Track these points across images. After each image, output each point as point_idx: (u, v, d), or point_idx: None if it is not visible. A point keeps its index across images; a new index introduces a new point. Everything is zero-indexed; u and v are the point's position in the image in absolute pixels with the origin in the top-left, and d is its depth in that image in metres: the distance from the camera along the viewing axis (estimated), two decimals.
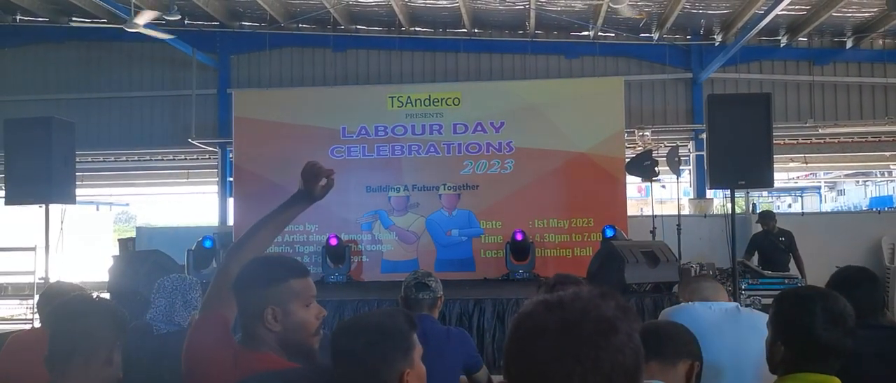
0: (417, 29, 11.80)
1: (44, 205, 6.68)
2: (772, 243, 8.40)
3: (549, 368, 0.99)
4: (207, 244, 8.55)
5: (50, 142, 6.44)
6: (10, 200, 6.73)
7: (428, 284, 3.31)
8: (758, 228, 8.94)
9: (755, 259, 8.40)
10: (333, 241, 9.06)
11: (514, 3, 10.61)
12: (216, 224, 11.77)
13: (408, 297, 3.30)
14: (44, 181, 6.46)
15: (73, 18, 11.33)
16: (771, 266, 8.00)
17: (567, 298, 1.05)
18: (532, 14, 10.74)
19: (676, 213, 8.85)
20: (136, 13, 8.79)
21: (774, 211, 10.67)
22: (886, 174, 21.70)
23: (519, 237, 8.78)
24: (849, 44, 11.55)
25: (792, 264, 8.32)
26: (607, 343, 0.99)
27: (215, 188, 12.51)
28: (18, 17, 12.28)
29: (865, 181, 24.95)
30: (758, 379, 2.83)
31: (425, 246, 9.39)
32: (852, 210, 22.67)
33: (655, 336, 2.06)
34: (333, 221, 9.37)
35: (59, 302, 2.11)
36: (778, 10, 8.80)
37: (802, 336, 2.04)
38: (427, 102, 9.58)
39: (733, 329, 2.85)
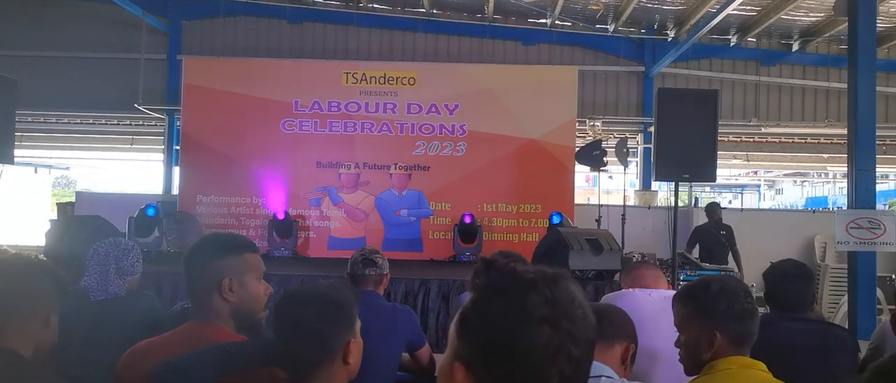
0: (375, 6, 11.72)
1: None
2: (713, 236, 8.65)
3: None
4: (150, 212, 8.36)
5: None
6: None
7: (374, 261, 3.33)
8: (700, 221, 9.17)
9: (696, 250, 8.63)
10: (280, 216, 8.98)
11: None
12: (160, 193, 11.55)
13: (354, 273, 3.31)
14: None
15: None
16: (710, 258, 8.23)
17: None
18: None
19: (622, 204, 9.01)
20: None
21: None
22: (823, 175, 22.44)
23: (467, 220, 8.84)
24: (795, 47, 11.87)
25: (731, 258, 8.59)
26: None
27: (161, 156, 12.27)
28: None
29: (803, 181, 25.75)
30: None
31: (374, 224, 9.37)
32: (789, 209, 23.39)
33: (595, 316, 2.11)
34: (281, 195, 9.28)
35: None
36: (730, 10, 8.99)
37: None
38: (382, 80, 9.52)
39: (671, 316, 2.93)
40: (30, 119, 11.86)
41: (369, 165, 9.48)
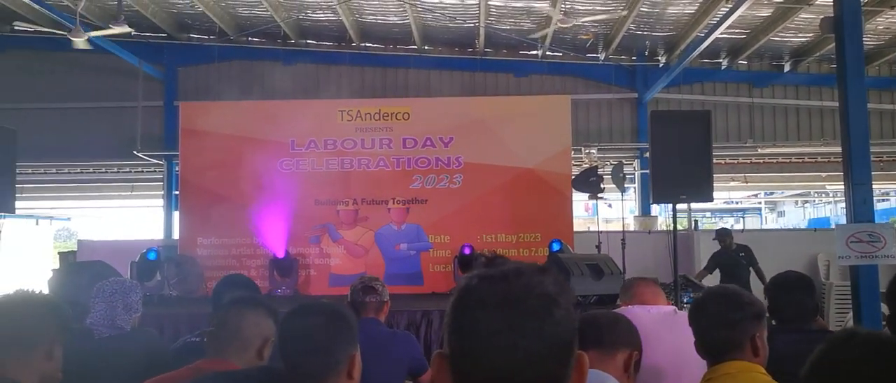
0: (368, 44, 11.87)
1: None
2: (732, 259, 8.61)
3: (492, 341, 1.01)
4: (151, 256, 8.40)
5: None
6: None
7: (374, 287, 3.34)
8: (701, 244, 9.17)
9: (717, 276, 8.59)
10: (281, 254, 8.99)
11: (464, 21, 10.75)
12: (161, 238, 11.56)
13: (354, 300, 3.32)
14: None
15: (16, 25, 11.05)
16: (732, 281, 8.14)
17: (510, 273, 1.07)
18: (481, 32, 10.91)
19: (621, 230, 9.03)
20: (85, 25, 8.63)
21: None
22: (824, 195, 22.45)
23: (467, 251, 8.83)
24: (787, 67, 12.00)
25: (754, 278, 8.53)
26: (550, 316, 1.02)
27: (160, 202, 12.31)
28: None
29: (805, 203, 25.78)
30: (695, 380, 2.93)
31: (374, 259, 9.36)
32: (791, 228, 23.34)
33: (594, 326, 2.13)
34: (281, 234, 9.29)
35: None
36: (718, 33, 9.12)
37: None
38: (377, 117, 9.60)
39: (671, 331, 2.92)
40: (30, 170, 11.93)
41: (367, 201, 9.51)
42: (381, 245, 9.45)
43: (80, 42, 8.48)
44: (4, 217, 10.01)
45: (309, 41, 11.95)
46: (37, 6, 9.40)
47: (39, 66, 11.91)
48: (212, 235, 9.47)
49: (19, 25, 10.48)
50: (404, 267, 9.32)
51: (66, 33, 8.75)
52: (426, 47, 11.79)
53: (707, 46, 9.72)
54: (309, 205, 9.49)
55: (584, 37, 11.03)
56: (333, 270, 9.42)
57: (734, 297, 2.23)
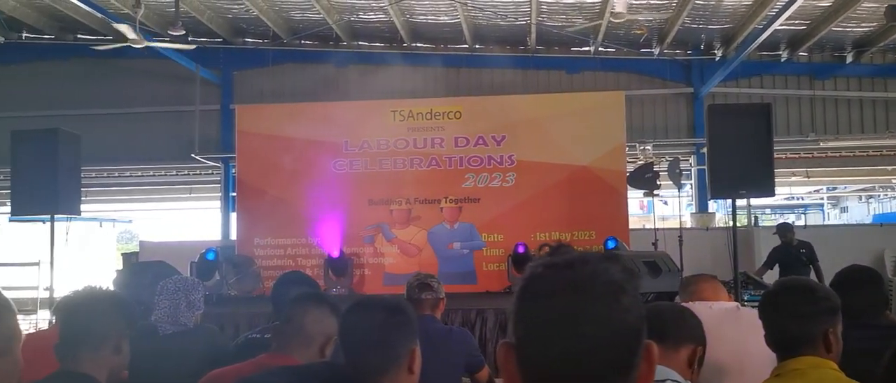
0: (419, 44, 11.90)
1: (49, 219, 6.70)
2: (793, 256, 8.40)
3: (558, 329, 1.00)
4: (210, 256, 8.55)
5: (56, 154, 6.45)
6: (15, 211, 6.76)
7: (430, 285, 3.35)
8: (761, 241, 8.95)
9: (776, 271, 8.39)
10: (335, 254, 9.07)
11: (515, 19, 10.70)
12: (219, 239, 11.80)
13: (411, 297, 3.33)
14: (50, 193, 6.47)
15: (78, 35, 11.45)
16: None
17: (575, 260, 1.06)
18: (533, 29, 10.84)
19: (678, 227, 8.87)
20: (144, 32, 8.86)
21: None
22: (889, 190, 21.67)
23: (521, 250, 8.77)
24: (849, 58, 11.63)
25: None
26: (617, 303, 1.01)
27: (218, 203, 12.56)
28: (25, 35, 12.41)
29: (869, 198, 24.93)
30: (760, 378, 2.85)
31: (427, 258, 9.38)
32: (856, 224, 22.63)
33: (659, 319, 2.08)
34: (335, 234, 9.39)
35: (69, 294, 2.14)
36: (777, 25, 8.89)
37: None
38: (429, 116, 9.62)
39: (734, 328, 2.85)
40: (94, 174, 12.29)
41: (420, 200, 9.54)
42: (435, 244, 9.47)
43: (139, 47, 8.70)
44: (71, 219, 10.36)
45: (360, 42, 12.04)
46: (98, 15, 9.68)
47: (101, 73, 12.26)
48: (268, 236, 9.63)
49: (82, 34, 10.85)
50: (458, 265, 9.32)
51: (126, 41, 8.99)
52: (477, 46, 11.77)
53: (765, 38, 9.48)
54: (362, 205, 9.56)
55: (638, 32, 10.87)
56: (387, 269, 9.47)
57: (809, 290, 2.16)
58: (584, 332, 0.99)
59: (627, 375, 1.02)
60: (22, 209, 6.69)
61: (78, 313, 1.95)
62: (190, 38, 11.70)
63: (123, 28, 8.43)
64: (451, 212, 9.47)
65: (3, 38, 12.27)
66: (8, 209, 11.24)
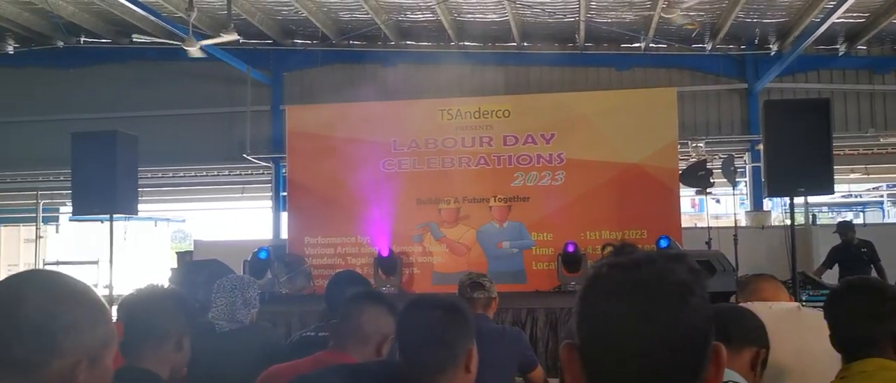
0: (466, 43, 11.88)
1: (108, 218, 6.87)
2: (853, 254, 8.16)
3: (623, 330, 0.99)
4: (262, 255, 8.71)
5: (115, 155, 6.62)
6: (77, 211, 6.96)
7: (483, 284, 3.33)
8: (820, 240, 8.72)
9: (836, 270, 8.18)
10: (385, 253, 9.13)
11: (563, 15, 10.61)
12: (270, 238, 11.96)
13: (463, 296, 3.32)
14: (108, 193, 6.64)
15: (134, 38, 11.72)
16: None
17: (641, 260, 1.04)
18: (582, 26, 10.73)
19: (733, 226, 8.69)
20: (197, 34, 9.04)
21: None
22: None
23: (571, 249, 8.71)
24: None
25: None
26: (684, 304, 0.99)
27: (269, 203, 12.74)
28: (83, 39, 12.76)
29: None
30: (822, 381, 2.76)
31: (476, 257, 9.37)
32: None
33: (719, 320, 2.02)
34: (385, 233, 9.44)
35: (132, 292, 2.19)
36: (835, 18, 8.63)
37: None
38: (477, 115, 9.61)
39: (795, 329, 2.78)
40: (149, 175, 12.57)
41: (469, 199, 9.54)
42: (484, 243, 9.45)
43: (193, 51, 8.87)
44: (129, 219, 10.64)
45: (408, 42, 12.08)
46: (153, 18, 9.90)
47: (156, 76, 12.55)
48: (318, 235, 9.74)
49: (137, 38, 11.11)
50: (507, 265, 9.29)
51: (180, 43, 9.19)
52: (525, 44, 11.70)
53: (823, 32, 9.22)
54: (411, 205, 9.60)
55: (690, 27, 10.68)
56: (436, 268, 9.49)
57: (877, 290, 2.08)
58: (649, 334, 0.98)
59: (695, 378, 1.00)
60: (82, 209, 6.88)
61: (141, 311, 2.00)
62: (241, 40, 11.90)
63: (190, 47, 8.63)
64: (500, 210, 9.44)
65: (62, 43, 12.64)
66: (68, 209, 11.62)
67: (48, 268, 12.30)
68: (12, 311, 1.17)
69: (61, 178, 12.33)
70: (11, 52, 12.51)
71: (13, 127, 12.73)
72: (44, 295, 1.20)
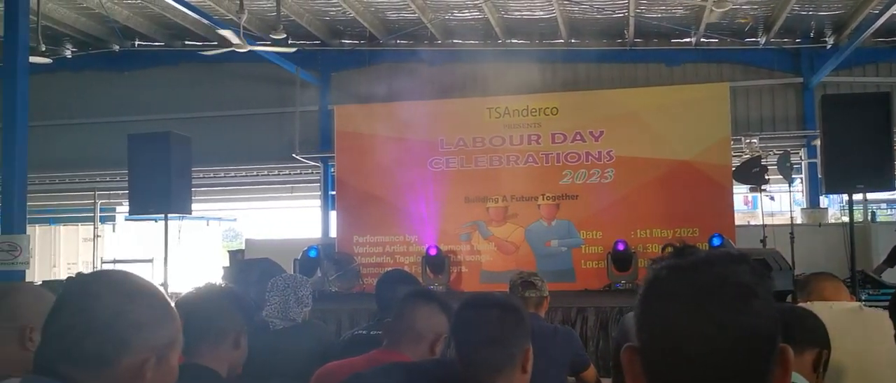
0: (513, 41, 11.83)
1: (163, 217, 7.04)
2: None
3: (684, 334, 0.97)
4: (312, 254, 8.81)
5: (169, 156, 6.78)
6: (133, 211, 7.14)
7: (534, 283, 3.31)
8: (885, 238, 8.46)
9: None
10: (433, 251, 9.14)
11: (612, 11, 10.49)
12: (319, 236, 12.08)
13: (514, 295, 3.30)
14: (163, 193, 6.81)
15: (186, 41, 11.98)
16: None
17: (701, 262, 1.02)
18: (631, 22, 10.59)
19: (788, 223, 8.49)
20: (248, 36, 9.18)
21: None
22: None
23: (621, 247, 8.61)
24: None
25: None
26: (746, 307, 0.97)
27: (318, 202, 12.88)
28: (138, 43, 13.07)
29: None
30: (885, 382, 2.68)
31: (524, 256, 9.32)
32: None
33: (782, 321, 1.98)
34: (433, 231, 9.46)
35: (190, 291, 2.23)
36: (894, 10, 8.36)
37: None
38: (525, 113, 9.56)
39: (857, 329, 2.72)
40: (201, 175, 12.81)
41: (517, 198, 9.49)
42: (532, 241, 9.40)
43: (242, 52, 9.01)
44: (183, 218, 10.87)
45: (455, 40, 12.08)
46: (205, 22, 10.09)
47: (208, 78, 12.77)
48: (367, 233, 9.80)
49: (190, 41, 11.36)
50: (555, 263, 9.21)
51: (230, 45, 9.34)
52: (573, 40, 11.59)
53: (881, 24, 8.94)
54: (458, 203, 9.60)
55: (742, 21, 10.45)
56: (484, 267, 9.48)
57: None
58: (711, 338, 0.96)
59: (761, 381, 0.98)
60: (138, 208, 7.06)
61: (199, 309, 2.03)
62: (290, 41, 12.05)
63: (227, 33, 8.76)
64: (548, 209, 9.38)
65: (118, 47, 12.97)
66: (125, 208, 11.92)
67: (106, 266, 12.67)
68: (86, 307, 1.21)
69: (118, 179, 12.65)
70: (69, 57, 12.87)
71: (71, 129, 13.12)
72: (116, 294, 1.24)
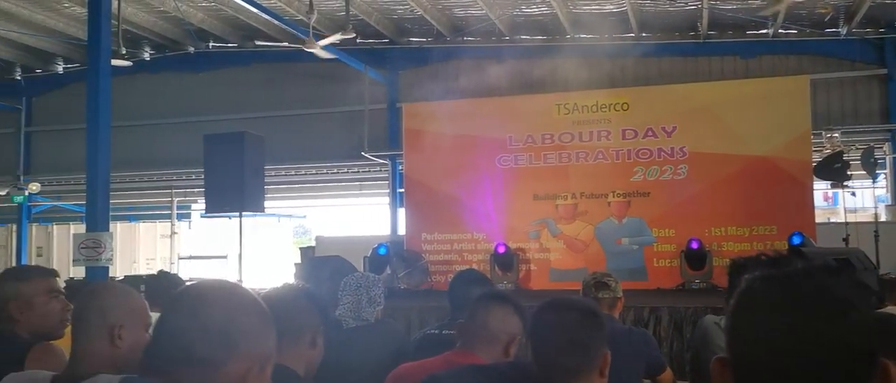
0: (582, 36, 11.66)
1: (238, 215, 7.21)
2: None
3: (777, 347, 0.95)
4: (382, 251, 8.89)
5: (243, 155, 6.93)
6: (209, 209, 7.33)
7: (607, 284, 3.25)
8: None
9: None
10: (501, 249, 9.08)
11: (684, 4, 10.24)
12: (387, 234, 12.18)
13: (587, 297, 3.24)
14: (237, 192, 6.96)
15: (258, 42, 12.24)
16: None
17: (796, 274, 0.99)
18: (704, 14, 10.31)
19: (873, 220, 8.13)
20: (317, 36, 9.33)
21: None
22: None
23: (694, 245, 8.39)
24: None
25: None
26: (842, 321, 0.94)
27: (386, 199, 12.99)
28: (211, 44, 13.43)
29: None
30: None
31: (594, 254, 9.18)
32: None
33: (882, 330, 1.88)
34: (501, 229, 9.41)
35: (267, 290, 2.26)
36: None
37: None
38: (595, 109, 9.41)
39: None
40: (273, 173, 13.08)
41: (586, 195, 9.35)
42: (602, 239, 9.25)
43: (316, 52, 9.16)
44: (256, 215, 11.10)
45: (522, 36, 11.99)
46: (276, 22, 10.29)
47: (279, 77, 13.04)
48: (435, 231, 9.82)
49: (261, 41, 11.60)
50: (627, 261, 9.04)
51: (300, 45, 9.51)
52: (644, 34, 11.36)
53: None
54: (527, 200, 9.52)
55: (823, 10, 10.05)
56: (553, 265, 9.38)
57: None
58: (805, 352, 0.93)
59: None
60: (214, 206, 7.23)
61: (277, 308, 2.04)
62: (358, 40, 12.17)
63: (313, 51, 8.96)
64: (619, 206, 9.21)
65: (193, 49, 13.35)
66: (200, 206, 12.26)
67: (183, 262, 13.06)
68: (199, 312, 1.27)
69: (193, 177, 13.04)
70: (147, 59, 13.32)
71: (150, 129, 13.59)
72: (227, 302, 1.30)
